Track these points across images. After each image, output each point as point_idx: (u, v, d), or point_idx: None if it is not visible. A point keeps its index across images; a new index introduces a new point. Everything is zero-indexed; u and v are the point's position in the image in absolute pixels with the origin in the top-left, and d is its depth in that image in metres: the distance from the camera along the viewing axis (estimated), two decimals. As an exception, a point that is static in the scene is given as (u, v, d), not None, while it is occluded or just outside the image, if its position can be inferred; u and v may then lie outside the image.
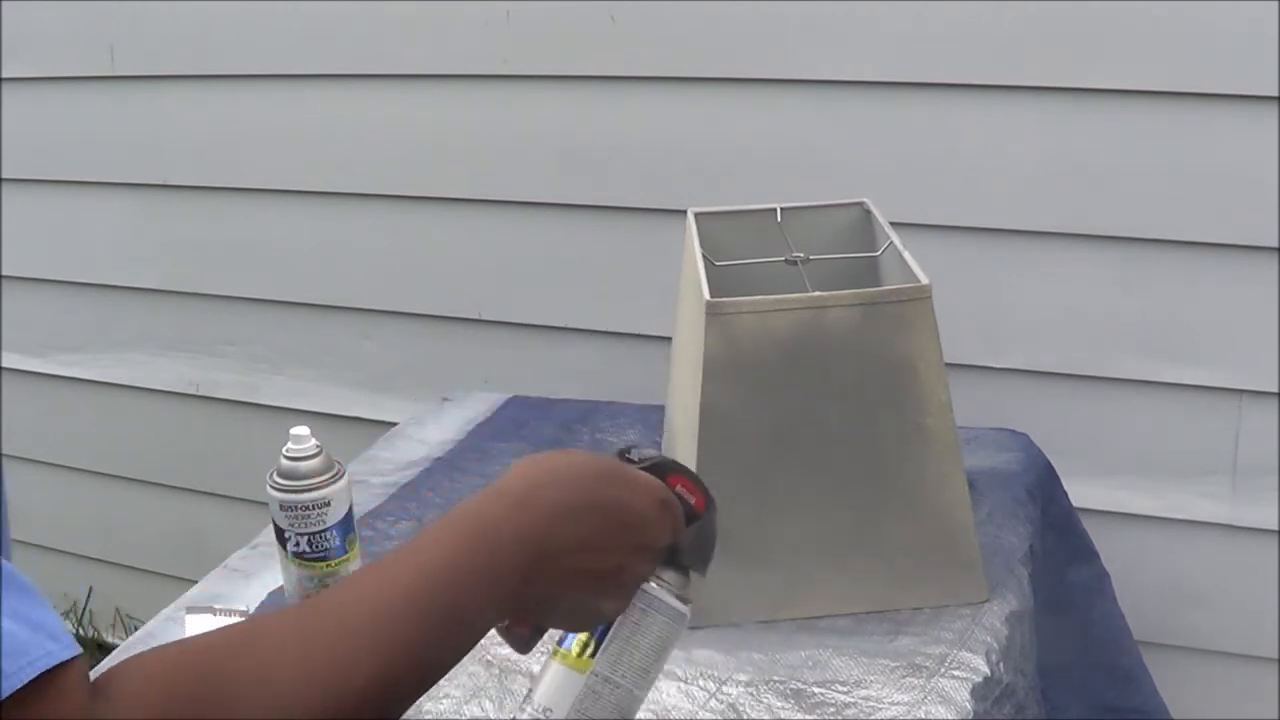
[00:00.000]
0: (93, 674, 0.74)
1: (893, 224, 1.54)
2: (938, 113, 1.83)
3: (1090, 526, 1.76)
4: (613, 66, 1.98)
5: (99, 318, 2.53)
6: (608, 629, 0.95)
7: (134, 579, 2.69)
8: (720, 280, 1.45)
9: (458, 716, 1.28)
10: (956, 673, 1.30)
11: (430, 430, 1.92)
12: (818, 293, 1.38)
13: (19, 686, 0.68)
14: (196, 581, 1.56)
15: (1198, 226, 1.75)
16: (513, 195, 2.12)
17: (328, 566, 1.40)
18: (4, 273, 2.49)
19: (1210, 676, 1.90)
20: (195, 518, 2.56)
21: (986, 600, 1.41)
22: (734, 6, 1.88)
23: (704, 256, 1.48)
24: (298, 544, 1.39)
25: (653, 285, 1.95)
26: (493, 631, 0.90)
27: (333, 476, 1.40)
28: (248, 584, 1.54)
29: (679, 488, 0.95)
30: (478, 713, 1.29)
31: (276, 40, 2.18)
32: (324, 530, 1.39)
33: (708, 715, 1.27)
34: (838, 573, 1.41)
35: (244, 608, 1.46)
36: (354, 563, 1.43)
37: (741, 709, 1.27)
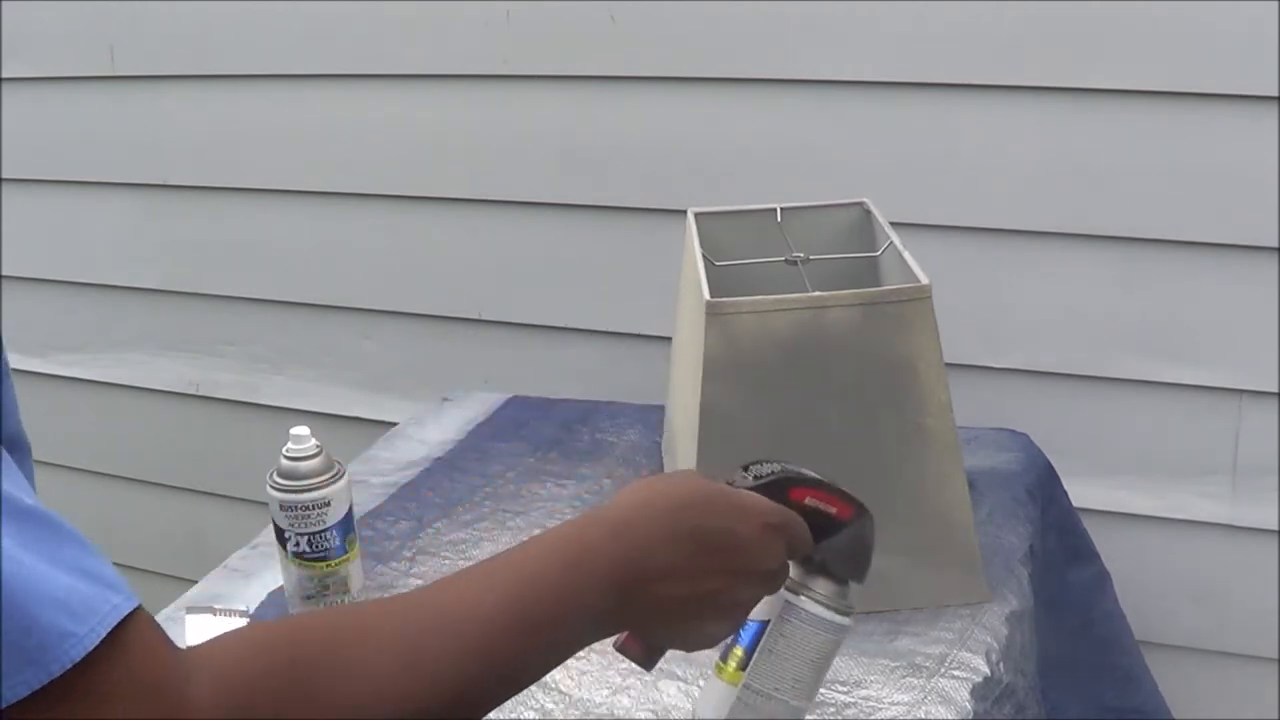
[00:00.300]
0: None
1: (893, 224, 1.55)
2: (938, 113, 1.83)
3: (1090, 526, 1.76)
4: (613, 66, 1.98)
5: (99, 318, 2.53)
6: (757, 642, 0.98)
7: (134, 579, 2.63)
8: (720, 280, 1.45)
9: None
10: (956, 673, 1.30)
11: (430, 430, 1.92)
12: (818, 293, 1.38)
13: (92, 648, 0.66)
14: (196, 581, 1.56)
15: (1198, 226, 1.74)
16: (513, 195, 2.12)
17: (328, 566, 1.40)
18: (4, 273, 2.48)
19: (1210, 676, 1.90)
20: (195, 518, 2.55)
21: (986, 600, 1.41)
22: (734, 6, 1.88)
23: (704, 256, 1.48)
24: (298, 544, 1.40)
25: (653, 285, 1.95)
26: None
27: (333, 476, 1.40)
28: (248, 584, 1.54)
29: (809, 500, 0.95)
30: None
31: (276, 40, 2.18)
32: (324, 530, 1.39)
33: (708, 715, 1.27)
34: (838, 573, 1.40)
35: (244, 608, 1.46)
36: (354, 563, 1.43)
37: (741, 709, 1.27)
